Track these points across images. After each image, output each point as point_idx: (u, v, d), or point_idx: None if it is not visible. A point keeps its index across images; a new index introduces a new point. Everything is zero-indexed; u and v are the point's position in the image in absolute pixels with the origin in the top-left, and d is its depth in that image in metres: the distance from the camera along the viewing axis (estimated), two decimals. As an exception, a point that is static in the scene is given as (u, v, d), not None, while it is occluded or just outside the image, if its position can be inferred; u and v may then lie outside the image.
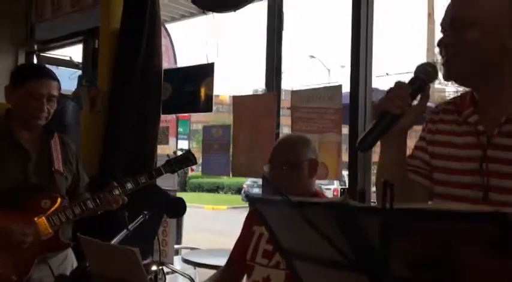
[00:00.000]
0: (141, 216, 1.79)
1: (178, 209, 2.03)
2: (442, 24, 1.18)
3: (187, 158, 2.39)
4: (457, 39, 1.13)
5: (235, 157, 3.15)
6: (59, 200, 2.17)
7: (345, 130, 2.73)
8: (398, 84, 1.13)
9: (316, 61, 42.10)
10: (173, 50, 4.56)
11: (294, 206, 0.98)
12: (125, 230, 1.68)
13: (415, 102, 1.15)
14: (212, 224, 12.44)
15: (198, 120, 14.66)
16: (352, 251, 0.80)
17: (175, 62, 4.48)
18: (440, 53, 1.18)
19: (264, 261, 1.94)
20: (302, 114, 2.78)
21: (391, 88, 1.12)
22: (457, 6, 1.16)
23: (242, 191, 17.32)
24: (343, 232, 0.88)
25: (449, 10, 1.18)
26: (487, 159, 1.11)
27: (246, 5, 2.89)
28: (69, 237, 2.26)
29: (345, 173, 2.76)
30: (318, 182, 2.11)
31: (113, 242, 1.62)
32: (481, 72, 1.14)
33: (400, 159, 1.21)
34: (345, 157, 2.70)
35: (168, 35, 4.51)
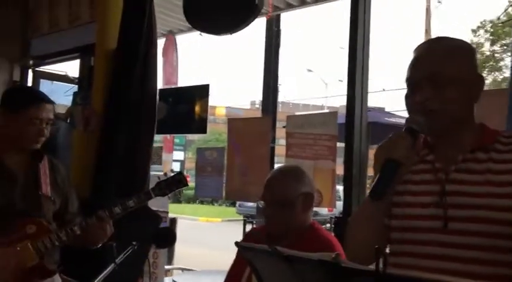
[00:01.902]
0: (130, 247, 1.75)
1: (167, 239, 1.98)
2: (412, 79, 1.24)
3: (178, 180, 2.32)
4: (437, 95, 1.20)
5: (229, 180, 3.11)
6: (44, 224, 2.12)
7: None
8: (401, 134, 1.20)
9: (314, 75, 42.22)
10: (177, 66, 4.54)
11: (284, 259, 0.96)
12: (113, 264, 1.63)
13: None
14: (206, 237, 12.36)
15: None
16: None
17: (177, 79, 4.46)
18: (415, 108, 1.23)
19: (259, 294, 1.89)
20: (297, 140, 2.76)
21: (392, 137, 1.21)
22: (435, 63, 1.23)
23: (237, 204, 17.24)
24: (334, 290, 0.86)
25: (422, 67, 1.24)
26: (446, 194, 1.21)
27: (242, 28, 2.88)
28: (57, 261, 2.20)
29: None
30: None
31: (100, 276, 1.58)
32: (456, 126, 1.24)
33: (385, 207, 1.28)
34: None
35: (176, 49, 4.48)
